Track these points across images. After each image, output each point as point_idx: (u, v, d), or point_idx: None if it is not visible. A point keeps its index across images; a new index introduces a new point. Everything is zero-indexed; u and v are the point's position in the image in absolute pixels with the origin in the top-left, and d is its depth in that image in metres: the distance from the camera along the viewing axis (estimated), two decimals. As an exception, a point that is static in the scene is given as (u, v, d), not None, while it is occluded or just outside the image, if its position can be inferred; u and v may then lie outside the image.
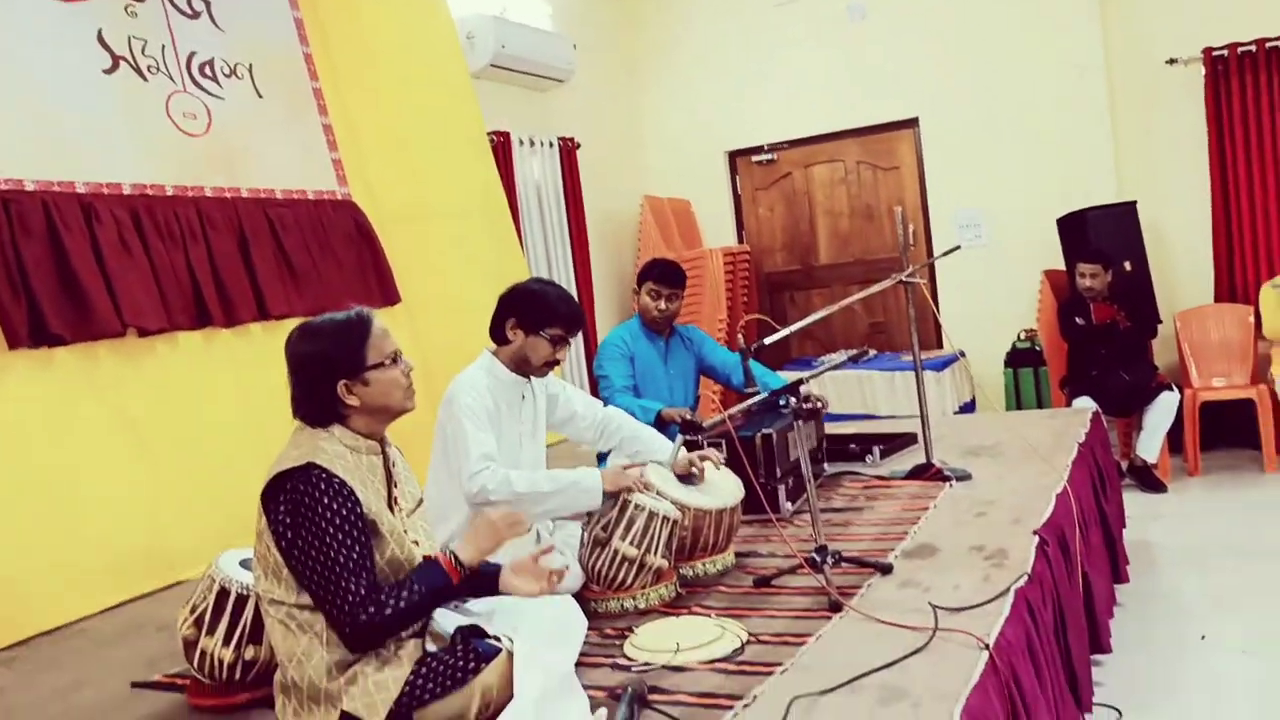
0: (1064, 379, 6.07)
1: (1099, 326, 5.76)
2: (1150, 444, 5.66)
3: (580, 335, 6.48)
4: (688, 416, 3.82)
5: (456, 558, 2.12)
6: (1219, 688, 3.30)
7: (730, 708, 2.06)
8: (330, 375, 2.08)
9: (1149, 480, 5.66)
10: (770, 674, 2.21)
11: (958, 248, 4.27)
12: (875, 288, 3.95)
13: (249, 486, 2.14)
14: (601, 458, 3.70)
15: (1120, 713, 3.08)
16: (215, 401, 4.07)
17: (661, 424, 3.86)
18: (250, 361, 4.22)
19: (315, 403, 2.10)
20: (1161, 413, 5.64)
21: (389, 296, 4.94)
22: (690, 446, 3.35)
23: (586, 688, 2.12)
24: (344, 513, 1.98)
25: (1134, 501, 5.16)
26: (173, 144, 4.18)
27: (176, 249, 4.04)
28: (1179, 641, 3.66)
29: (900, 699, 2.00)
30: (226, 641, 2.36)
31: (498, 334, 3.04)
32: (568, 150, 6.67)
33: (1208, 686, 3.31)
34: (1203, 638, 3.64)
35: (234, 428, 4.05)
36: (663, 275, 4.27)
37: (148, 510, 3.74)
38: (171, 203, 4.08)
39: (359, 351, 2.10)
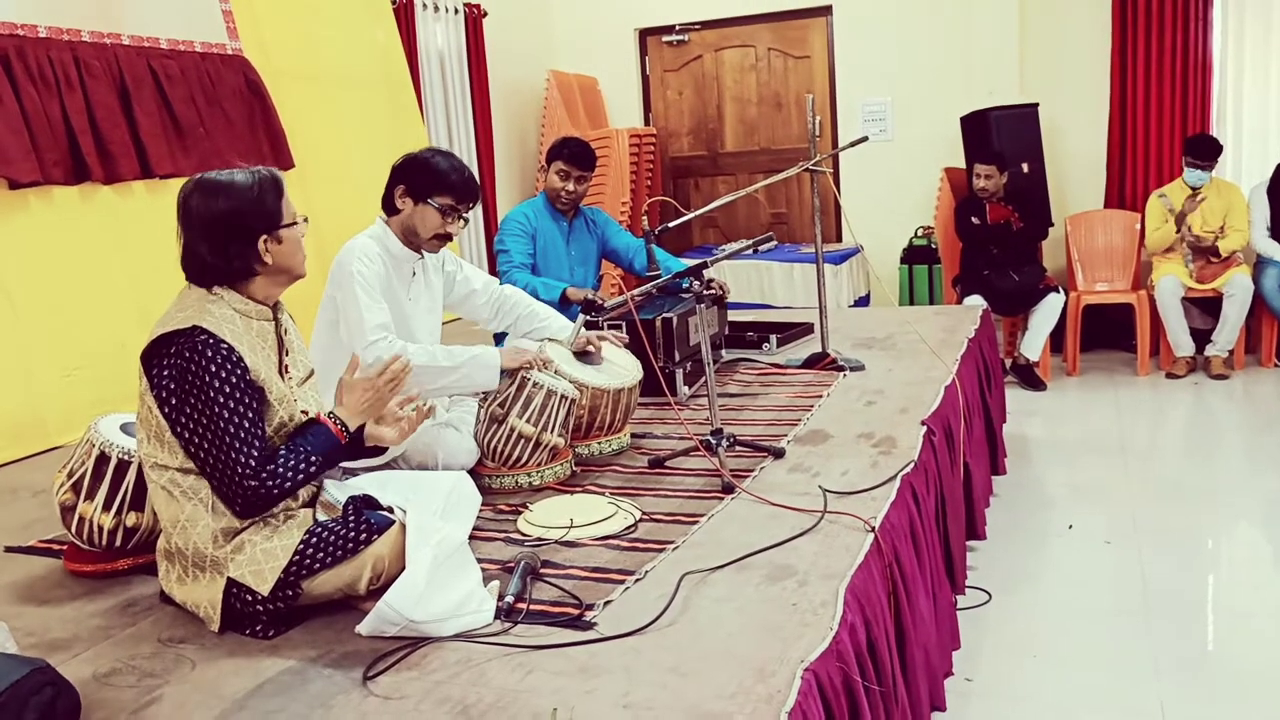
0: (956, 277, 6.20)
1: (993, 226, 5.88)
2: (1034, 343, 5.86)
3: (480, 212, 6.37)
4: (590, 296, 3.79)
5: (341, 421, 2.07)
6: (1081, 574, 3.48)
7: (622, 582, 2.09)
8: (252, 231, 2.00)
9: (1030, 378, 5.87)
10: (662, 551, 2.24)
11: (865, 139, 4.25)
12: (783, 174, 3.95)
13: (129, 352, 2.05)
14: (499, 339, 3.66)
15: (990, 595, 3.24)
16: (94, 262, 3.86)
17: (566, 304, 3.82)
18: (132, 221, 4.00)
19: (229, 260, 2.00)
20: (1046, 314, 5.83)
21: (282, 161, 4.71)
22: (591, 327, 3.33)
23: (480, 561, 2.12)
24: (232, 380, 1.92)
25: (1014, 397, 5.36)
26: (45, -18, 3.86)
27: (51, 96, 3.77)
28: (1047, 531, 3.84)
29: (788, 576, 2.05)
30: (107, 507, 2.28)
31: (388, 203, 2.92)
32: (473, 19, 6.41)
33: (1071, 572, 3.50)
34: (1070, 528, 3.83)
35: (115, 291, 3.86)
36: (574, 156, 4.16)
37: (19, 374, 3.56)
38: (44, 45, 3.79)
39: (278, 207, 2.03)
